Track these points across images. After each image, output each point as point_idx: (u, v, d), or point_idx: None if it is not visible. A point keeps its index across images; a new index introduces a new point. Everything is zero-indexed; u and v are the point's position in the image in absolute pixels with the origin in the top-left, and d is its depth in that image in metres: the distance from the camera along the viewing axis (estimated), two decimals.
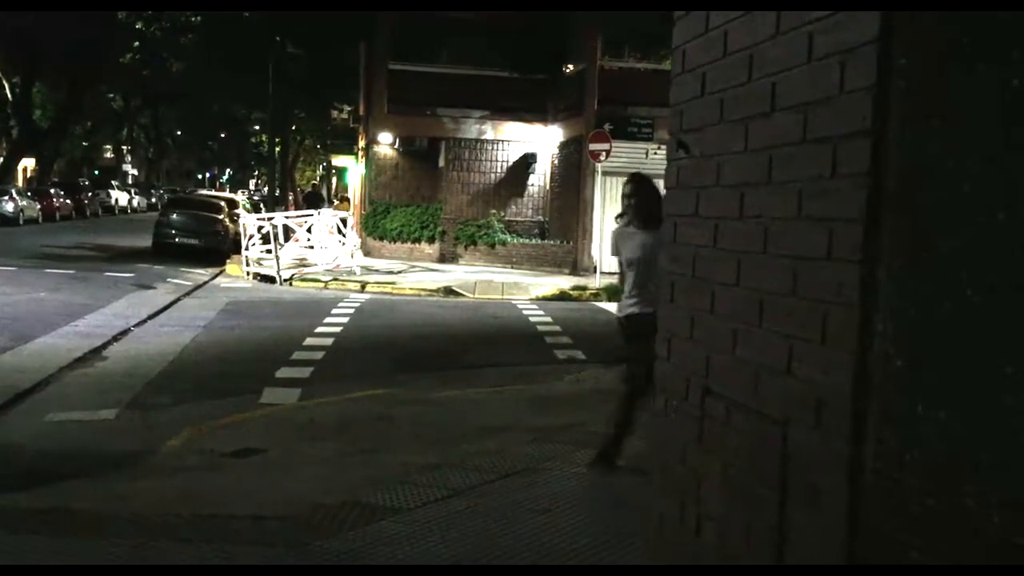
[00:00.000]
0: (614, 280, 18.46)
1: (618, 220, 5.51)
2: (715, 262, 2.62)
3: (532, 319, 13.67)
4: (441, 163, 24.06)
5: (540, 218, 24.09)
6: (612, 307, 15.74)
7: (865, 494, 1.93)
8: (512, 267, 21.85)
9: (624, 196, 5.40)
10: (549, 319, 13.58)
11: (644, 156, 20.66)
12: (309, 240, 19.99)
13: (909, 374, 1.82)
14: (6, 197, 31.50)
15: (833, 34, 2.02)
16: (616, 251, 5.49)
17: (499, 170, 24.19)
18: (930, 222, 1.77)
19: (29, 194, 34.97)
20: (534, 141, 23.86)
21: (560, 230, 22.86)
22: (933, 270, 1.76)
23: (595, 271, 19.17)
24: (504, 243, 22.62)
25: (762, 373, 2.32)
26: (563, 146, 23.23)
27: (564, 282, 18.46)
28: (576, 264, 21.33)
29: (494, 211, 23.32)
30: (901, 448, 1.83)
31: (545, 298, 16.58)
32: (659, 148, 19.91)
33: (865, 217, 1.90)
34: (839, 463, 1.99)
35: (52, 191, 37.25)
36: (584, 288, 17.51)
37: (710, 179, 2.66)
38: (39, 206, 34.08)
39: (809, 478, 2.12)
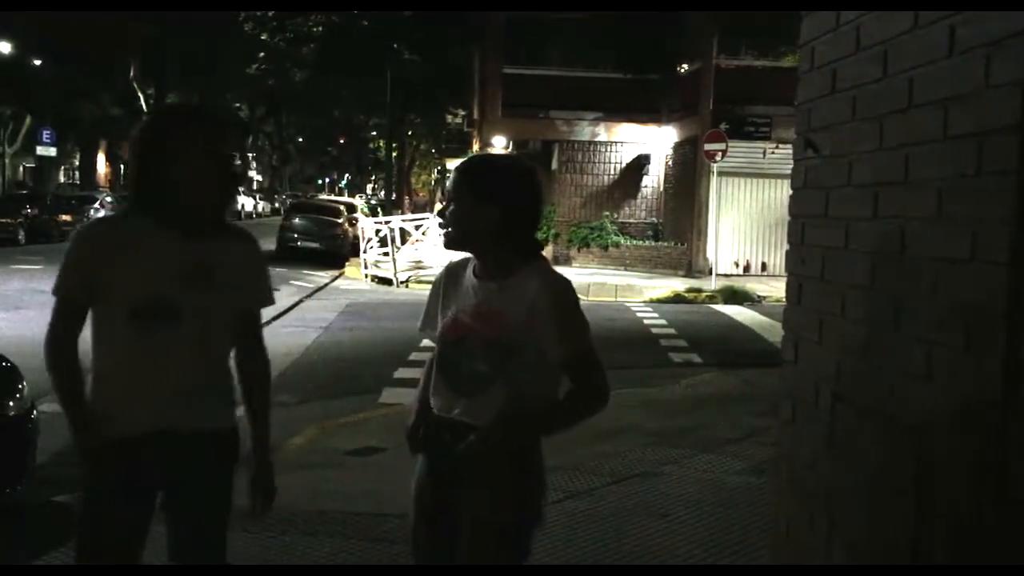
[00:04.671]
0: (730, 282, 18.21)
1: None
2: (846, 264, 2.54)
3: (646, 321, 13.54)
4: (554, 165, 24.12)
5: (653, 220, 23.86)
6: (729, 309, 15.57)
7: (1011, 505, 1.85)
8: (625, 269, 21.71)
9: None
10: (663, 321, 13.42)
11: (761, 156, 20.27)
12: (424, 243, 20.34)
13: None
14: None
15: (977, 26, 1.93)
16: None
17: (612, 172, 24.09)
18: None
19: None
20: (647, 142, 23.66)
21: (674, 232, 22.59)
22: None
23: (710, 273, 18.87)
24: (617, 245, 22.49)
25: (898, 379, 2.24)
26: (677, 147, 22.95)
27: (678, 284, 18.22)
28: (691, 266, 21.04)
29: (607, 213, 23.22)
30: None
31: (659, 300, 16.41)
32: (776, 147, 19.47)
33: (1013, 217, 1.81)
34: (983, 473, 1.91)
35: None
36: (699, 290, 17.25)
37: (841, 179, 2.58)
38: None
39: (948, 488, 2.03)
